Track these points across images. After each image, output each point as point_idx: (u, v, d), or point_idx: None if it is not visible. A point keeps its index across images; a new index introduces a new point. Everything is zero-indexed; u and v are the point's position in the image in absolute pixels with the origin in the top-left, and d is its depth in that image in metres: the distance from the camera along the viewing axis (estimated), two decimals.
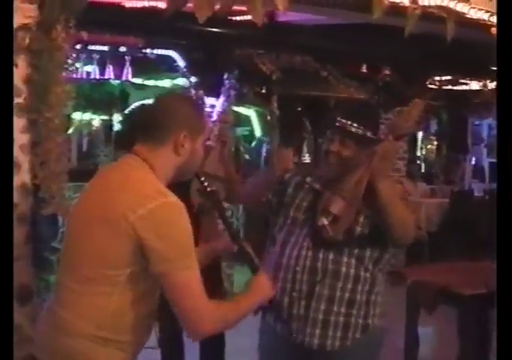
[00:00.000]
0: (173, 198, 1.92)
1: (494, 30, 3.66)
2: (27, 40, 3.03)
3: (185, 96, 3.10)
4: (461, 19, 4.04)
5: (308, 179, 2.77)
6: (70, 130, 7.63)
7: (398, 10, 3.68)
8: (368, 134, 2.65)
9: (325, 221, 2.61)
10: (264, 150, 12.27)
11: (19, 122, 3.04)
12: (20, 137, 3.05)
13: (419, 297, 4.74)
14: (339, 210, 2.62)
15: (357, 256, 2.64)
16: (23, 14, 3.04)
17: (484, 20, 4.17)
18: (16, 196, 2.94)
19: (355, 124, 2.63)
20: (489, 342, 3.94)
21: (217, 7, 2.92)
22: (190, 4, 3.03)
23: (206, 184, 2.25)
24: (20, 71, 3.04)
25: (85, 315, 1.91)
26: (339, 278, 2.62)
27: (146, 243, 1.85)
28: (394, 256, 3.18)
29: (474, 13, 4.23)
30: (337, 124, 2.65)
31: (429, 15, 3.92)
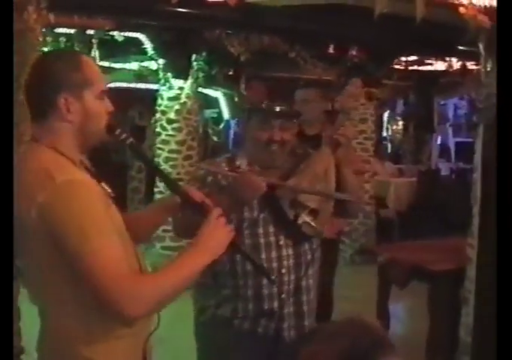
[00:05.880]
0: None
1: (462, 9, 3.70)
2: None
3: (54, 54, 2.38)
4: None
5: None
6: None
7: None
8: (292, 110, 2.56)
9: (306, 218, 2.47)
10: (232, 132, 12.28)
11: None
12: None
13: (391, 273, 4.81)
14: (317, 203, 2.48)
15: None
16: None
17: None
18: None
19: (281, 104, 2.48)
20: (458, 317, 4.02)
21: None
22: None
23: (124, 136, 1.87)
24: None
25: None
26: (314, 265, 2.60)
27: None
28: None
29: None
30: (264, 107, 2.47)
31: None
